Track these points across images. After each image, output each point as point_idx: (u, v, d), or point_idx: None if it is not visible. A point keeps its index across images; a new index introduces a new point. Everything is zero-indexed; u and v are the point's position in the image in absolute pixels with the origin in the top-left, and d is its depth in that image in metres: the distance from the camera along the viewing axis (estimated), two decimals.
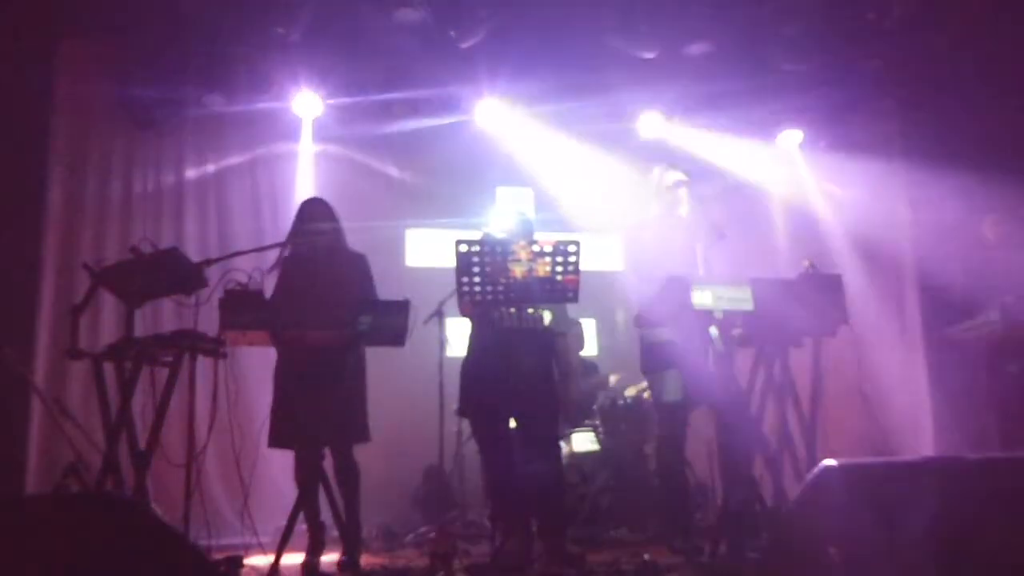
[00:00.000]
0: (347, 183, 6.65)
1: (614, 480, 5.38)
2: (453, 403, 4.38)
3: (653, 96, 6.71)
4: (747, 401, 4.02)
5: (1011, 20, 5.64)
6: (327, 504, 4.11)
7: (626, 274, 4.62)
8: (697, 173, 4.40)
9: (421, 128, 6.78)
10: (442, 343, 4.58)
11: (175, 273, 3.70)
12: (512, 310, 4.07)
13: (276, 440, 4.14)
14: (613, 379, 6.26)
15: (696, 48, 6.22)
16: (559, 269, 3.66)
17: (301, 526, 4.06)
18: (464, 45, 5.96)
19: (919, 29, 5.96)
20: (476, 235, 4.18)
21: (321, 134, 6.75)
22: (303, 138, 6.69)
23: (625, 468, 5.44)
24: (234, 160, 6.67)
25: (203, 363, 3.76)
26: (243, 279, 3.72)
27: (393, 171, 7.11)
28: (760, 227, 7.23)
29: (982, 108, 5.95)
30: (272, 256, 4.34)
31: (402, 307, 3.78)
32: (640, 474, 5.43)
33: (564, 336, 4.43)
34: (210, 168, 6.55)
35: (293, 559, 4.03)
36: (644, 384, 5.56)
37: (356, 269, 4.30)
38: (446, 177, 7.11)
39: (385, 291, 4.29)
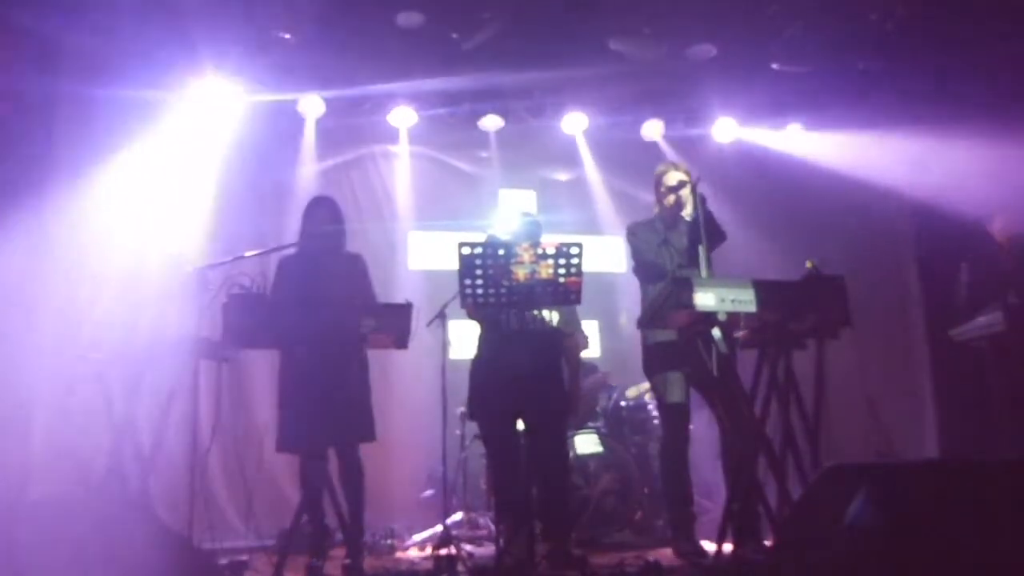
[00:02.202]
0: (351, 184, 6.66)
1: (617, 482, 5.38)
2: (456, 405, 4.38)
3: (658, 99, 6.73)
4: (750, 402, 4.01)
5: (1013, 21, 5.63)
6: (331, 506, 4.11)
7: (629, 275, 4.62)
8: (698, 173, 4.39)
9: (426, 128, 6.82)
10: (445, 346, 4.58)
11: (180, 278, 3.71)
12: (515, 314, 4.07)
13: (284, 444, 4.13)
14: (615, 382, 6.26)
15: (698, 50, 6.22)
16: (562, 271, 3.66)
17: (305, 528, 4.06)
18: (467, 47, 5.97)
19: (922, 30, 5.95)
20: (479, 237, 4.19)
21: (324, 134, 6.75)
22: (306, 138, 6.71)
23: (628, 470, 5.43)
24: (237, 158, 6.67)
25: (207, 366, 3.77)
26: (246, 282, 3.72)
27: (397, 173, 7.12)
28: (764, 228, 7.22)
29: (987, 110, 5.94)
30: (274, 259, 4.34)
31: (404, 310, 3.79)
32: (643, 476, 5.43)
33: (572, 336, 4.44)
34: (213, 165, 6.55)
35: (297, 562, 4.03)
36: (647, 386, 5.56)
37: (354, 270, 4.30)
38: (450, 179, 7.13)
39: (388, 294, 4.30)
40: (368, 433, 4.22)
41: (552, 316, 4.24)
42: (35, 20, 5.38)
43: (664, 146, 7.05)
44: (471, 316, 4.18)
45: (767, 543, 3.86)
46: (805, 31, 5.96)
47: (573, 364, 4.41)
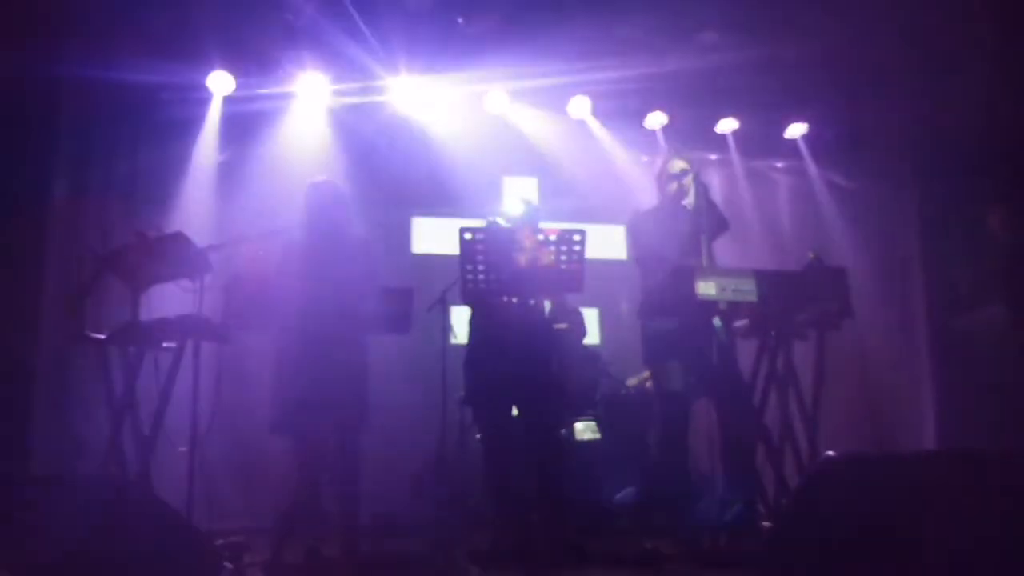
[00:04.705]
0: (355, 169, 6.63)
1: (615, 469, 5.39)
2: (456, 391, 4.39)
3: (659, 88, 6.69)
4: (749, 392, 4.02)
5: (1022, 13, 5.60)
6: (330, 489, 4.12)
7: (630, 263, 4.62)
8: (702, 162, 4.37)
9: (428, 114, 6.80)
10: (446, 331, 4.58)
11: (181, 258, 3.70)
12: (514, 299, 4.07)
13: (278, 426, 4.14)
14: (615, 370, 6.27)
15: (705, 37, 6.18)
16: (564, 258, 3.66)
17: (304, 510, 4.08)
18: (471, 32, 5.94)
19: (929, 19, 5.91)
20: (481, 223, 4.18)
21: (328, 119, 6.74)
22: (309, 124, 6.69)
23: (627, 458, 5.45)
24: (240, 145, 6.67)
25: (207, 348, 3.77)
26: (248, 264, 3.73)
27: (401, 157, 7.09)
28: (765, 218, 7.22)
29: (992, 99, 5.92)
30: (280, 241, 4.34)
31: (406, 295, 3.79)
32: (641, 464, 5.44)
33: (562, 326, 4.45)
34: (214, 155, 6.55)
35: (295, 544, 4.04)
36: (646, 374, 5.57)
37: (360, 254, 4.29)
38: (453, 165, 7.10)
39: (391, 278, 4.29)
40: (361, 420, 4.21)
41: (547, 304, 4.24)
42: None
43: (663, 137, 7.03)
44: (466, 300, 4.18)
45: (764, 532, 3.87)
46: (810, 20, 5.91)
47: (563, 354, 4.42)
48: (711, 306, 3.83)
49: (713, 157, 7.16)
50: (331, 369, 3.93)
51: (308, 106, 6.62)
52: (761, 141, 7.28)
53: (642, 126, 7.03)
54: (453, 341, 4.61)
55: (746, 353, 4.17)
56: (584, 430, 5.64)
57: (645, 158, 6.87)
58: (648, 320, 4.37)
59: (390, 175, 6.83)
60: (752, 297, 3.73)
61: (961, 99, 5.98)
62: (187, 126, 6.48)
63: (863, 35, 6.02)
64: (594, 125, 7.05)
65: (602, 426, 5.69)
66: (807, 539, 2.71)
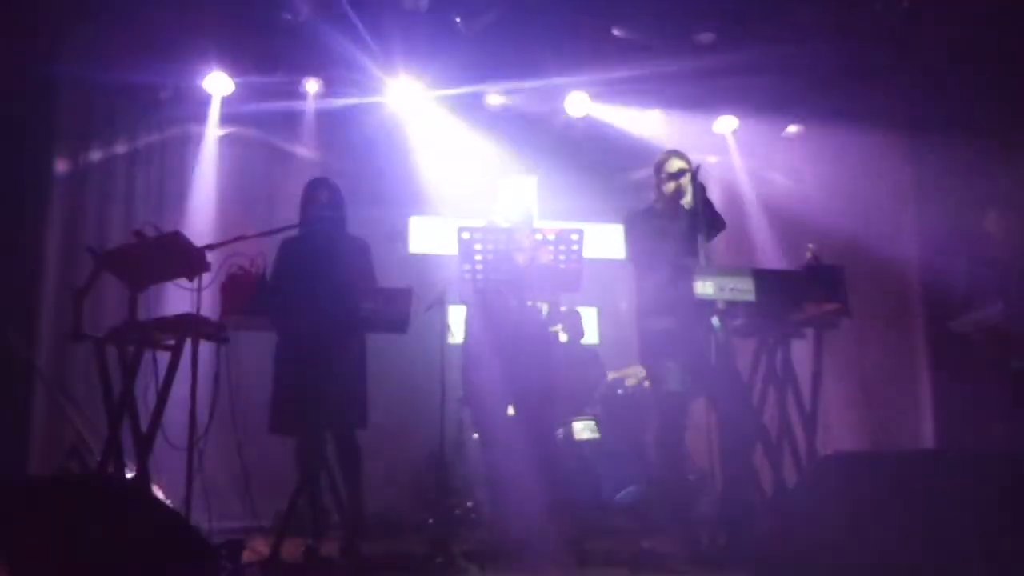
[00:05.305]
0: (353, 169, 6.64)
1: (614, 469, 5.40)
2: (455, 391, 4.39)
3: (654, 88, 6.70)
4: (747, 391, 4.02)
5: (1018, 12, 5.60)
6: (329, 488, 4.12)
7: (628, 263, 4.63)
8: (700, 161, 4.38)
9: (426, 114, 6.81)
10: (444, 330, 4.58)
11: (179, 257, 3.70)
12: (513, 302, 4.08)
13: (277, 426, 4.14)
14: (612, 375, 6.27)
15: (703, 38, 6.18)
16: (562, 257, 3.67)
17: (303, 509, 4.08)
18: (469, 32, 5.95)
19: (927, 22, 5.91)
20: (480, 223, 4.18)
21: (324, 118, 6.74)
22: (306, 121, 6.69)
23: (626, 458, 5.45)
24: (237, 143, 6.67)
25: (205, 347, 3.77)
26: (245, 264, 3.72)
27: (399, 157, 7.10)
28: (763, 217, 7.23)
29: (989, 100, 5.92)
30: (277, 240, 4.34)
31: (404, 294, 3.79)
32: (640, 463, 5.45)
33: (557, 327, 4.46)
34: (215, 152, 6.55)
35: (294, 543, 4.05)
36: (644, 373, 5.58)
37: (356, 254, 4.29)
38: (451, 164, 7.11)
39: (389, 278, 4.29)
40: (360, 419, 4.22)
41: (543, 307, 4.25)
42: None
43: (664, 135, 7.03)
44: (464, 300, 4.18)
45: (762, 531, 3.88)
46: (809, 18, 5.91)
47: (562, 353, 4.44)
48: (709, 305, 3.83)
49: (712, 159, 7.17)
50: (329, 369, 3.93)
51: (306, 105, 6.62)
52: (760, 140, 7.29)
53: (640, 124, 7.03)
54: (451, 341, 4.61)
55: (745, 352, 4.17)
56: (583, 429, 5.65)
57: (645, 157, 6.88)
58: (646, 319, 4.36)
59: (388, 175, 6.83)
60: (750, 296, 3.73)
61: (959, 99, 6.00)
62: (186, 126, 6.49)
63: (861, 35, 6.04)
64: (593, 123, 7.05)
65: (601, 425, 5.69)
66: (805, 538, 2.72)
